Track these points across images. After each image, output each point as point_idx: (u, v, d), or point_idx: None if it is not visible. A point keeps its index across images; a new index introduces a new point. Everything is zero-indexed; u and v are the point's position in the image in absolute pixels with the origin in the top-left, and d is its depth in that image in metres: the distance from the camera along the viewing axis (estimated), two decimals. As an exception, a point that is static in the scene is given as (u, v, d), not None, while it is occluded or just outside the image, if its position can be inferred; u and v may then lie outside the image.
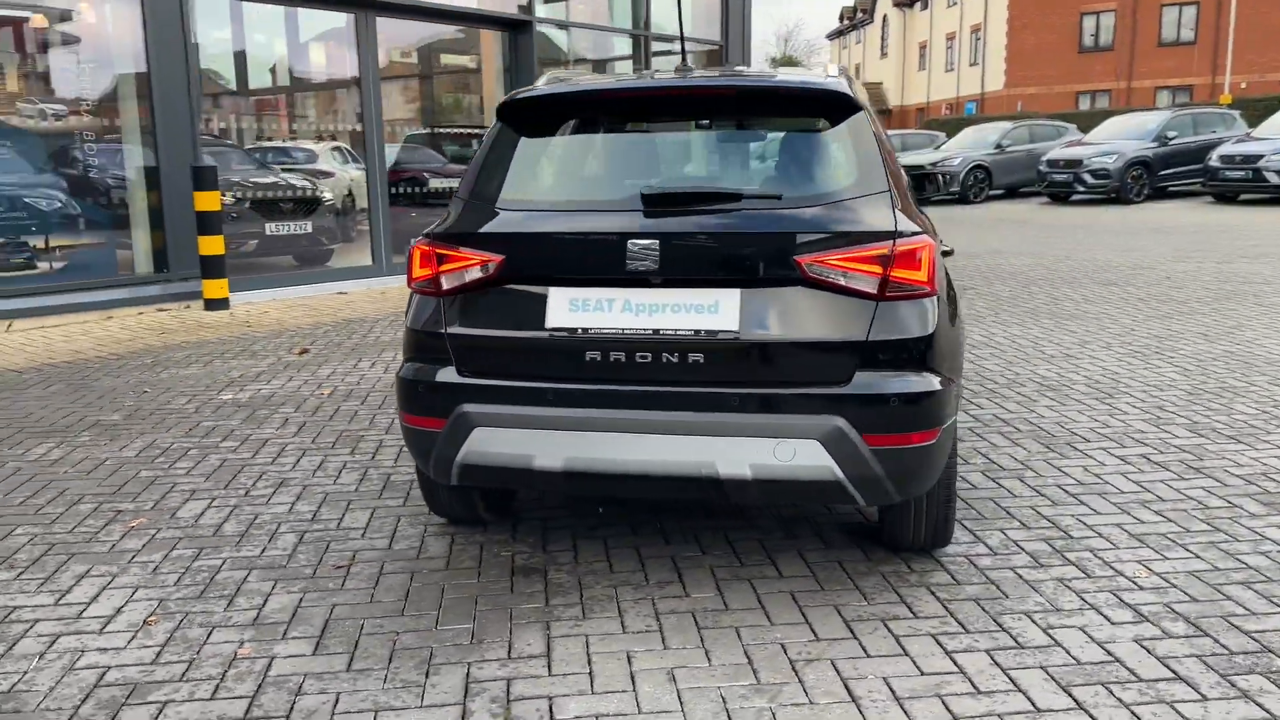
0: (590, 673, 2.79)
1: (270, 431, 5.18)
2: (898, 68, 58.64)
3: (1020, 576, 3.35)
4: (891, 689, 2.68)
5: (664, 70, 3.63)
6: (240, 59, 11.05)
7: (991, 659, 2.83)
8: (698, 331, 2.96)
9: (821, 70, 3.50)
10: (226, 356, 7.14)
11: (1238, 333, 7.20)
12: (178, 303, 9.32)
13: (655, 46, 14.47)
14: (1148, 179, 19.99)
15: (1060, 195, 20.98)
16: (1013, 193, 23.58)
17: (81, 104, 8.93)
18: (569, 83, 3.46)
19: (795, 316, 2.95)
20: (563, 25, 13.25)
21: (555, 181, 3.29)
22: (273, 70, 11.72)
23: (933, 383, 3.00)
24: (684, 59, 3.51)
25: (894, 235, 2.96)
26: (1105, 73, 43.25)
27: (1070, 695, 2.63)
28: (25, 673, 2.84)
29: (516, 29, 12.34)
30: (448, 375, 3.17)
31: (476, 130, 12.85)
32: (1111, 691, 2.65)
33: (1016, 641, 2.92)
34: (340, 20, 10.93)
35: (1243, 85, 38.16)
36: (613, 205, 3.14)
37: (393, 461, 4.66)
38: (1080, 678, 2.72)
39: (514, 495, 3.94)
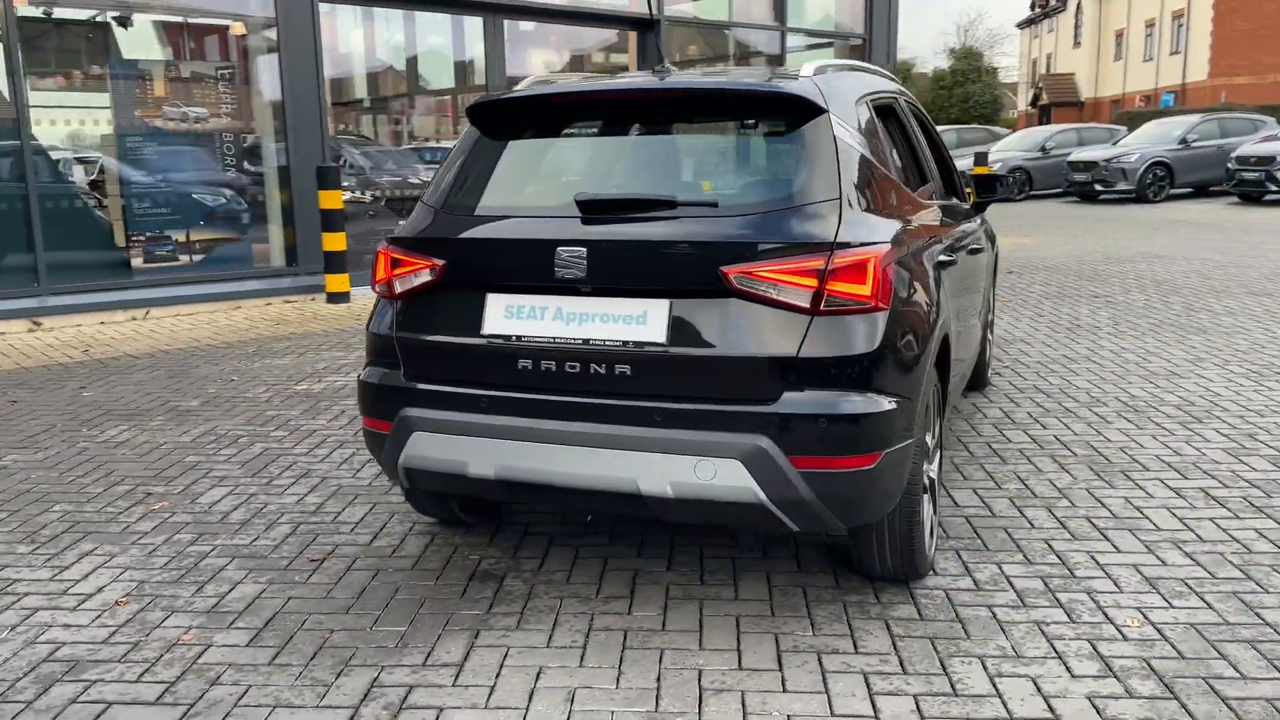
0: (493, 686, 2.76)
1: (322, 423, 5.39)
2: (1091, 57, 55.29)
3: (994, 616, 3.09)
4: (788, 729, 2.52)
5: (672, 71, 3.53)
6: (379, 61, 11.55)
7: (915, 705, 2.62)
8: (625, 343, 2.87)
9: (811, 68, 3.31)
10: (322, 349, 7.48)
11: (1387, 353, 6.41)
12: (304, 295, 9.84)
13: (792, 41, 14.20)
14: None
15: (1251, 195, 19.26)
16: (1201, 192, 21.83)
17: (222, 108, 9.55)
18: (526, 87, 3.42)
19: (724, 330, 2.81)
20: (690, 23, 13.18)
21: (499, 186, 3.26)
22: (414, 73, 12.21)
23: (877, 404, 2.80)
24: (661, 59, 3.41)
25: (832, 246, 2.78)
26: (1327, 60, 39.40)
27: (980, 753, 2.41)
28: (-7, 643, 3.05)
29: (644, 27, 12.36)
30: (394, 379, 3.20)
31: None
32: (1029, 753, 2.40)
33: (952, 688, 2.69)
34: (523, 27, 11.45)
35: None
36: (549, 211, 3.09)
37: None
38: (1001, 735, 2.48)
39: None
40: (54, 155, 8.92)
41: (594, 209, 2.96)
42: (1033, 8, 66.35)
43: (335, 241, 9.58)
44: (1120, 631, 2.98)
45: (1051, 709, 2.59)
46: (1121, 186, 20.52)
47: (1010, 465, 4.46)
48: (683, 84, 3.17)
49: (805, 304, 2.76)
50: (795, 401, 2.76)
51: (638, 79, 3.40)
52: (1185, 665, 2.78)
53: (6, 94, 8.35)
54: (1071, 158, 22.09)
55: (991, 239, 5.42)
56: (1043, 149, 23.86)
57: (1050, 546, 3.59)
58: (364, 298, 9.94)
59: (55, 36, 8.90)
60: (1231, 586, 3.25)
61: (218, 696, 2.73)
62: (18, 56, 8.29)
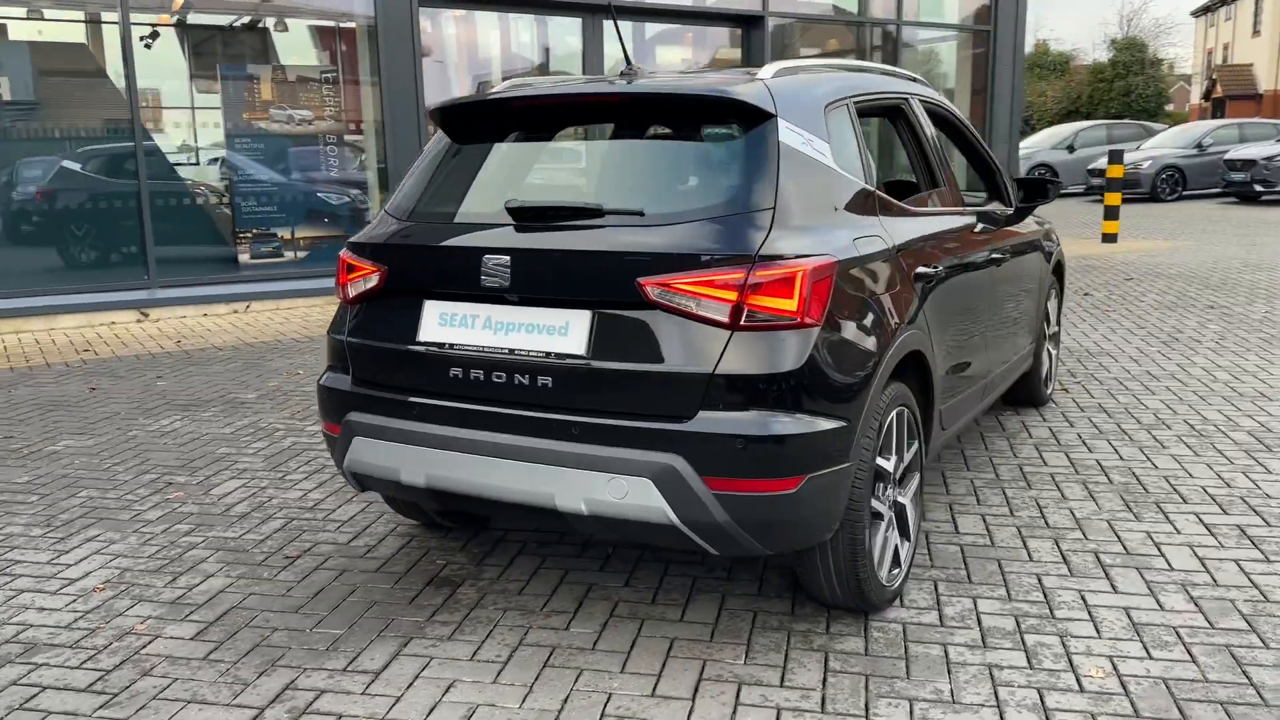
0: (399, 697, 2.74)
1: (358, 419, 5.50)
2: (1271, 48, 51.37)
3: (946, 655, 2.88)
4: (672, 765, 2.41)
5: (639, 75, 3.42)
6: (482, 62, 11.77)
7: (817, 749, 2.46)
8: (548, 354, 2.81)
9: (771, 70, 3.16)
10: (393, 344, 7.65)
11: None
12: (398, 291, 10.12)
13: (910, 34, 13.72)
14: None
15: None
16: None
17: (325, 109, 9.93)
18: (484, 91, 3.38)
19: (644, 343, 2.71)
20: (796, 18, 12.90)
21: (448, 192, 3.23)
22: (520, 75, 12.38)
23: (803, 424, 2.65)
24: (628, 62, 3.31)
25: (754, 259, 2.63)
26: None
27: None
28: (-28, 622, 3.23)
29: (749, 24, 12.17)
30: (342, 383, 3.22)
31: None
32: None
33: (866, 733, 2.52)
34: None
35: None
36: (485, 218, 3.04)
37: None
38: (896, 789, 2.30)
39: None
40: (166, 155, 9.44)
41: (523, 216, 2.90)
42: (1209, -6, 62.18)
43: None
44: (1079, 682, 2.73)
45: (964, 764, 2.39)
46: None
47: (1034, 491, 4.16)
48: (633, 89, 3.07)
49: (724, 318, 2.63)
50: (711, 420, 2.64)
51: (597, 83, 3.32)
52: (1135, 726, 2.52)
53: (124, 96, 8.90)
54: (1229, 155, 20.58)
55: (1043, 247, 5.06)
56: (1199, 146, 22.29)
57: (1040, 582, 3.32)
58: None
59: (167, 42, 9.43)
60: (1227, 639, 2.93)
61: (142, 688, 2.82)
62: (133, 62, 8.83)
